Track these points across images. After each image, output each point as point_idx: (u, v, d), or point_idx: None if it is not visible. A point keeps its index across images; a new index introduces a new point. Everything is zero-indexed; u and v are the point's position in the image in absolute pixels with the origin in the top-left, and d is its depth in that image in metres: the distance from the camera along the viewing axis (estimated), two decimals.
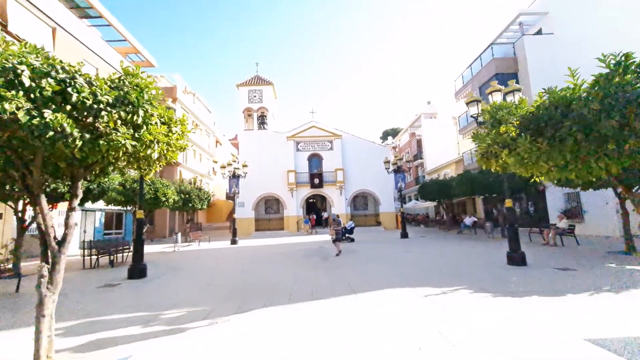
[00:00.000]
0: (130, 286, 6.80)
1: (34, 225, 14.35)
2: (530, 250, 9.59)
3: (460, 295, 5.15)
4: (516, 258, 7.64)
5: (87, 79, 2.63)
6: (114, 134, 2.65)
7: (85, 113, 2.53)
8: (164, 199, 13.93)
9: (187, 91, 28.38)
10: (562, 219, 11.67)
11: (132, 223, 15.91)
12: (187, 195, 18.46)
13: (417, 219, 32.38)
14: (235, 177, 17.49)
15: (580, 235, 11.77)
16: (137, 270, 7.60)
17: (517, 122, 4.22)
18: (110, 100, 2.66)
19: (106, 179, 9.97)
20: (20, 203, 8.57)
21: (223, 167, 17.67)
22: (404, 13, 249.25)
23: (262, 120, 27.00)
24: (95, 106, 2.55)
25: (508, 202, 8.00)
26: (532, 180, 5.04)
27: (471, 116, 8.48)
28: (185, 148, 3.88)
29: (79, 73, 2.62)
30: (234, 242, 16.71)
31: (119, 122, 2.68)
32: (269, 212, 26.01)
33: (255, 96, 26.69)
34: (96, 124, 2.58)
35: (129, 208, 14.31)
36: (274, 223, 25.33)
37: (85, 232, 17.24)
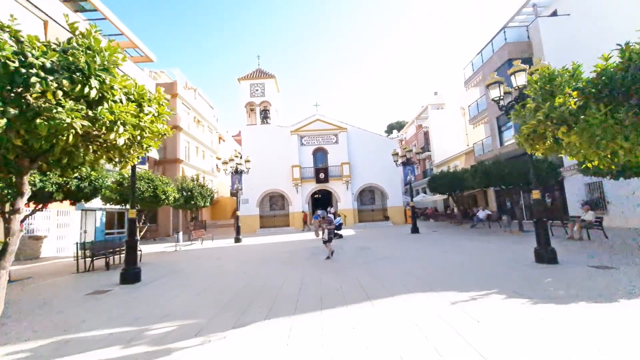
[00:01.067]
0: (121, 293, 6.21)
1: (32, 226, 14.00)
2: (555, 245, 8.73)
3: (493, 302, 4.43)
4: (546, 255, 6.89)
5: (14, 36, 1.95)
6: (55, 111, 1.98)
7: (9, 81, 1.86)
8: (163, 196, 13.38)
9: (188, 87, 27.78)
10: (588, 210, 10.81)
11: None
12: (189, 193, 17.94)
13: (425, 213, 31.55)
14: (237, 172, 16.86)
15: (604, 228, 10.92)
16: (130, 275, 7.00)
17: (575, 94, 3.40)
18: (48, 65, 1.98)
19: (98, 176, 9.37)
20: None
21: (225, 162, 17.08)
22: (408, 3, 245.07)
23: (264, 115, 26.35)
24: (24, 71, 1.87)
25: (536, 194, 7.21)
26: (583, 166, 4.25)
27: (492, 99, 7.67)
28: (164, 134, 3.20)
29: (5, 28, 1.95)
30: (237, 240, 16.18)
31: (60, 93, 2.00)
32: (274, 209, 25.44)
33: (257, 90, 25.98)
34: (27, 96, 1.90)
35: (127, 207, 13.78)
36: (279, 220, 24.77)
37: (85, 232, 16.83)
